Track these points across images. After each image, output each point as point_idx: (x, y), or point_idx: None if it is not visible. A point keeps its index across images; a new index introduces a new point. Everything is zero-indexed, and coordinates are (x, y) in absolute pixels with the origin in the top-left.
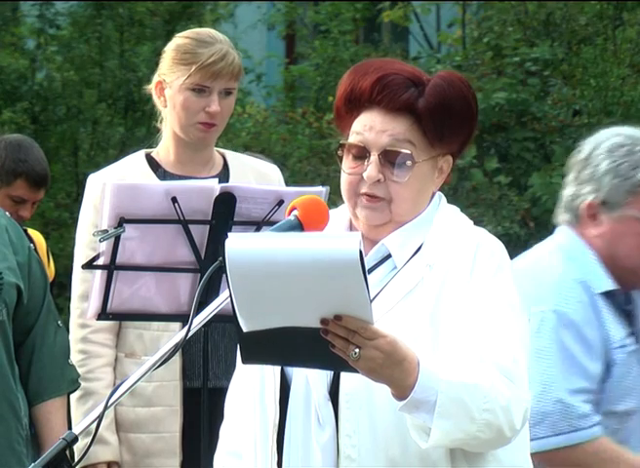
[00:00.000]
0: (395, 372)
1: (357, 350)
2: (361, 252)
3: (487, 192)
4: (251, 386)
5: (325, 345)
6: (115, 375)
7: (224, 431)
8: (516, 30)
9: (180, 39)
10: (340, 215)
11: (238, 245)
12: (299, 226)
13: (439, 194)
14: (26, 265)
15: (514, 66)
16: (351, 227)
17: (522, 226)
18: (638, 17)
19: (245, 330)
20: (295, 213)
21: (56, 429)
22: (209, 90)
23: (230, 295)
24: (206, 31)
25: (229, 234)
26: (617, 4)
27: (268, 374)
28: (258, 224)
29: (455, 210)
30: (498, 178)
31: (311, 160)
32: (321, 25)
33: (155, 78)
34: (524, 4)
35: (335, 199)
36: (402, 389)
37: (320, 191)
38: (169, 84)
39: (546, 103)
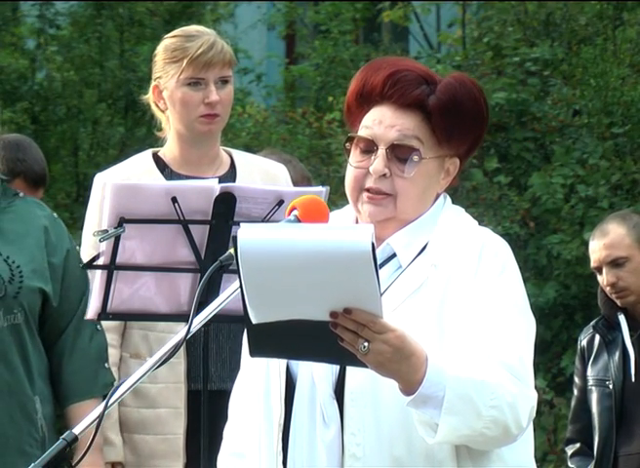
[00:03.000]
0: (403, 367)
1: (366, 344)
2: (373, 244)
3: (487, 192)
4: (255, 386)
5: (333, 339)
6: (119, 376)
7: (228, 432)
8: (516, 30)
9: (167, 40)
10: (344, 216)
11: (249, 235)
12: None
13: (444, 194)
14: (61, 267)
15: (514, 66)
16: None
17: (522, 226)
18: (638, 17)
19: (254, 321)
20: (295, 212)
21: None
22: (204, 81)
23: (241, 286)
24: (192, 27)
25: (241, 224)
26: (617, 4)
27: (274, 373)
28: None
29: (459, 210)
30: (498, 178)
31: (311, 160)
32: (321, 25)
33: (152, 85)
34: (524, 4)
35: (335, 199)
36: (410, 384)
37: (320, 191)
38: (164, 85)
39: (546, 103)
